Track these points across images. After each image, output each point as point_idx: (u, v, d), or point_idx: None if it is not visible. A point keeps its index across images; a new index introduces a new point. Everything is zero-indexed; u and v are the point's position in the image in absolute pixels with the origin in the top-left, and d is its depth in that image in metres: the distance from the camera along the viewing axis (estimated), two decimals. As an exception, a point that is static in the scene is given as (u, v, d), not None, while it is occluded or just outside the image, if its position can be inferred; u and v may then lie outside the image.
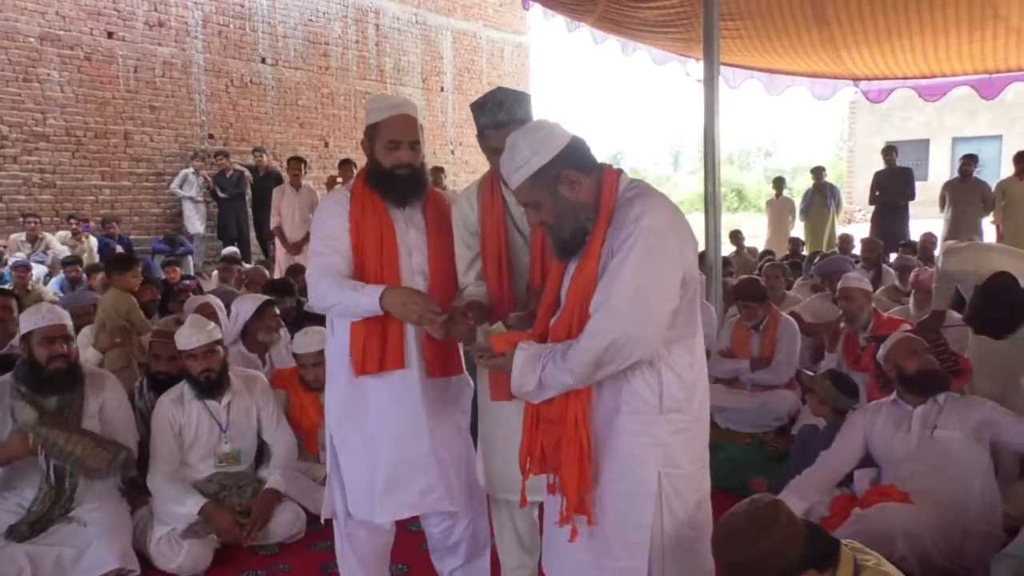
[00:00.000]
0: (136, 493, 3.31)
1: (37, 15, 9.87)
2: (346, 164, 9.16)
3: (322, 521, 2.69)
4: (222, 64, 11.90)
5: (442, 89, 15.52)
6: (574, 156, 1.87)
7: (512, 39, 17.22)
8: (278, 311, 4.49)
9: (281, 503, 3.32)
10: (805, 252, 9.66)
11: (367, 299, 2.26)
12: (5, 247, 8.90)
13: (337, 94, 13.49)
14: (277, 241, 8.46)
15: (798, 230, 10.93)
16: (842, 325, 4.76)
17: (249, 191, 11.04)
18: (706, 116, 5.78)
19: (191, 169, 10.96)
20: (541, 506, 2.20)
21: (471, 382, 2.63)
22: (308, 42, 13.05)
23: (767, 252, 9.44)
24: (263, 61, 12.45)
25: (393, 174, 2.40)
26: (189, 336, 3.30)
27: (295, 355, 3.80)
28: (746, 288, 4.97)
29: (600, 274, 1.82)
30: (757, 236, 12.06)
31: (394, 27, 14.55)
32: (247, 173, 10.92)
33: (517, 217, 2.35)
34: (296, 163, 8.56)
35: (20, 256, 8.69)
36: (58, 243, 9.24)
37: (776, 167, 37.36)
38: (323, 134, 13.18)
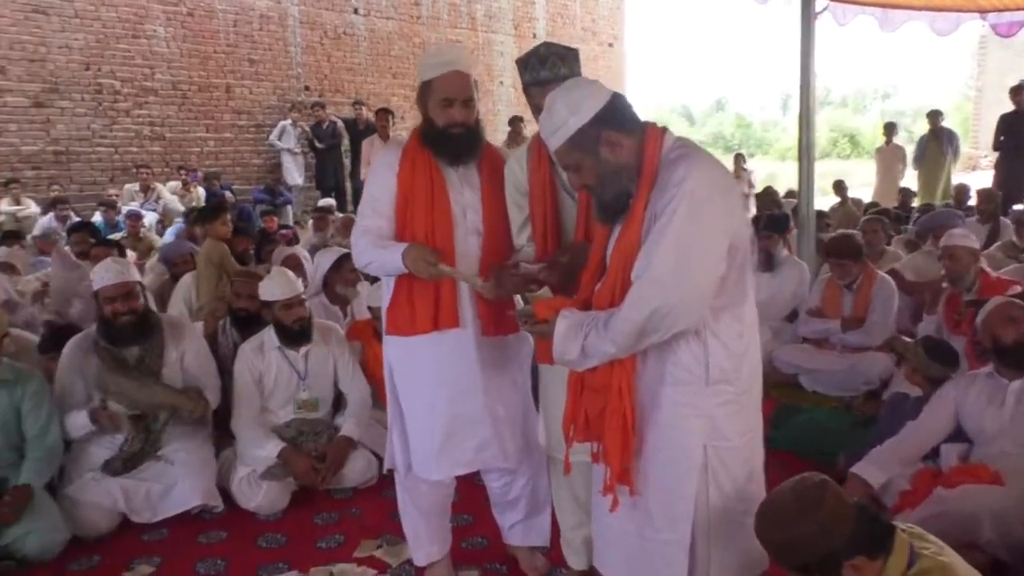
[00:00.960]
0: (221, 434, 3.50)
1: (143, -28, 10.25)
2: (383, 113, 9.10)
3: (384, 472, 2.76)
4: (316, 16, 12.05)
5: (534, 36, 15.22)
6: (615, 115, 1.78)
7: (608, -19, 16.68)
8: (357, 264, 4.57)
9: (355, 450, 3.44)
10: (916, 204, 9.06)
11: (392, 256, 2.30)
12: (119, 196, 9.44)
13: (428, 43, 13.45)
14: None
15: (911, 180, 10.26)
16: (944, 285, 4.46)
17: (346, 142, 11.26)
18: (802, 56, 5.44)
19: (289, 121, 11.25)
20: None
21: (530, 339, 2.61)
22: (400, -10, 13.05)
23: (873, 204, 8.91)
24: (356, 12, 12.53)
25: (446, 133, 2.36)
26: (279, 287, 3.42)
27: (369, 307, 3.88)
28: (839, 244, 4.70)
29: (643, 239, 1.74)
30: (870, 184, 11.35)
31: (486, -28, 14.35)
32: (340, 124, 11.12)
33: (565, 177, 2.28)
34: (384, 115, 8.64)
35: (134, 205, 9.22)
36: (168, 192, 9.73)
37: (895, 109, 35.07)
38: (415, 84, 13.12)
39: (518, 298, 2.52)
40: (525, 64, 2.23)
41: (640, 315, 1.69)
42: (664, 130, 1.85)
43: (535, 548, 2.78)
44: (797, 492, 1.73)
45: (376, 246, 2.37)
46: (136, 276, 3.32)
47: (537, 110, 2.16)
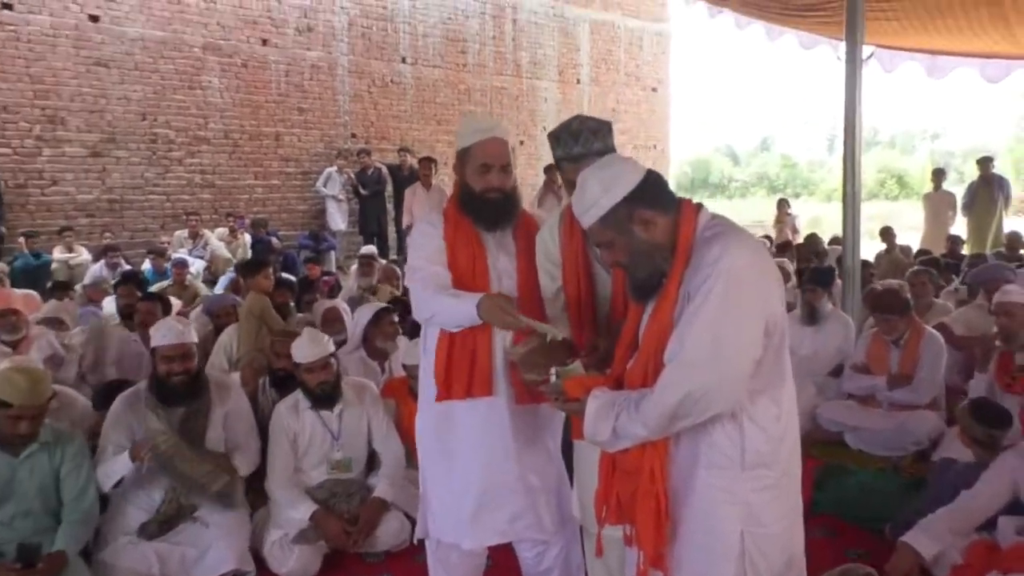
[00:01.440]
0: (256, 494, 3.51)
1: (200, 26, 10.65)
2: (426, 161, 9.21)
3: (414, 541, 2.74)
4: (365, 65, 12.37)
5: (578, 81, 15.40)
6: (648, 193, 1.77)
7: (652, 27, 16.80)
8: (397, 319, 4.61)
9: (388, 512, 3.41)
10: (966, 251, 8.83)
11: (466, 306, 2.23)
12: (169, 243, 9.70)
13: (473, 90, 13.71)
14: (410, 240, 8.71)
15: (961, 226, 10.01)
16: (997, 343, 4.31)
17: (390, 188, 11.46)
18: (846, 104, 5.37)
19: (335, 168, 11.49)
20: None
21: (562, 409, 2.58)
22: (446, 40, 13.32)
23: (922, 252, 8.71)
24: (403, 61, 12.83)
25: (484, 198, 2.38)
26: (306, 350, 3.44)
27: (404, 365, 3.88)
28: (885, 299, 4.60)
29: (676, 319, 1.72)
30: (919, 228, 11.10)
31: (531, 21, 14.57)
32: (385, 170, 11.31)
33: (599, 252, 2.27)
34: (427, 163, 8.78)
35: (182, 252, 9.46)
36: (216, 239, 9.97)
37: (944, 150, 34.46)
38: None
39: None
40: (557, 139, 2.23)
41: (673, 399, 1.66)
42: (700, 207, 1.83)
43: (567, 620, 2.72)
44: (844, 583, 1.65)
45: (445, 294, 2.31)
46: (194, 338, 3.39)
47: (570, 185, 2.16)
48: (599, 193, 1.77)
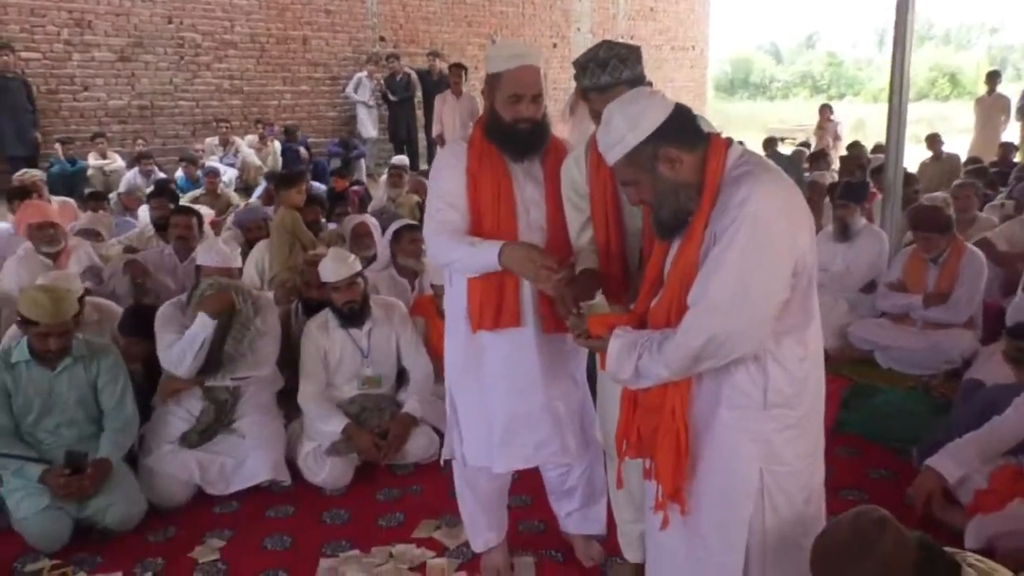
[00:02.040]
0: (289, 407, 3.61)
1: (223, -77, 10.29)
2: (457, 68, 8.93)
3: (441, 463, 2.81)
4: (393, -38, 11.93)
5: (616, -25, 14.73)
6: (675, 130, 1.70)
7: (693, -85, 15.88)
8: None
9: (417, 427, 3.50)
10: (1018, 159, 8.47)
11: (486, 255, 2.20)
12: (202, 150, 9.70)
13: (504, -11, 13.20)
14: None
15: (1014, 132, 9.57)
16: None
17: (420, 94, 11.23)
18: None
19: (364, 73, 11.27)
20: None
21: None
22: (478, -66, 12.75)
23: (972, 160, 8.38)
24: (432, -43, 12.34)
25: (514, 128, 2.31)
26: (331, 270, 3.45)
27: (432, 285, 3.89)
28: (926, 217, 4.45)
29: (702, 260, 1.67)
30: (970, 131, 10.60)
31: (566, -89, 13.85)
32: (414, 76, 11.07)
33: None
34: (457, 70, 8.56)
35: (214, 159, 9.47)
36: (246, 147, 9.94)
37: (1003, 44, 32.68)
38: (490, 32, 13.01)
39: None
40: (584, 68, 2.13)
41: (696, 341, 1.65)
42: (728, 143, 1.76)
43: (591, 537, 2.80)
44: (854, 528, 1.65)
45: (461, 242, 2.28)
46: (239, 262, 3.48)
47: (596, 115, 2.07)
48: (624, 130, 1.70)
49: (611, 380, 1.97)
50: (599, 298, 2.04)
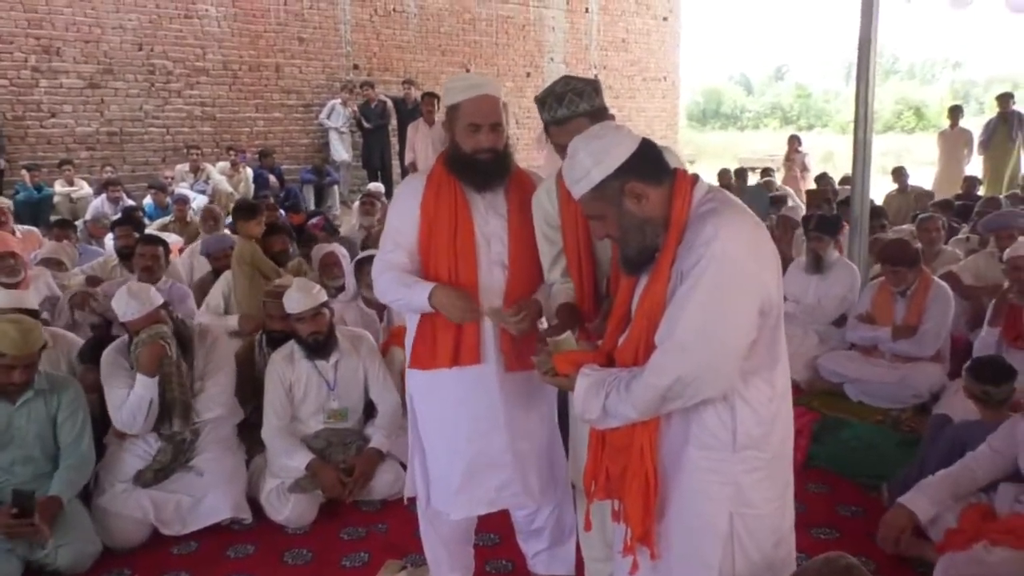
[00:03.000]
0: (254, 441, 3.52)
1: (195, -50, 10.29)
2: (429, 97, 8.82)
3: (404, 501, 2.74)
4: (367, -8, 11.99)
5: (587, 10, 14.89)
6: (641, 165, 1.68)
7: (663, -48, 16.18)
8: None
9: (383, 462, 3.43)
10: (982, 192, 8.64)
11: (418, 296, 2.24)
12: (172, 178, 9.59)
13: (479, 19, 13.30)
14: (412, 176, 8.58)
15: (976, 166, 9.77)
16: (1010, 296, 4.21)
17: (394, 122, 11.24)
18: (862, 28, 4.99)
19: (338, 100, 11.26)
20: None
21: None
22: (451, -35, 12.87)
23: (933, 196, 8.51)
24: (406, -13, 12.42)
25: (474, 158, 2.28)
26: (296, 300, 3.39)
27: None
28: (894, 251, 4.48)
29: (669, 298, 1.65)
30: (935, 163, 10.78)
31: (540, -55, 14.05)
32: (389, 104, 11.08)
33: None
34: (430, 98, 8.57)
35: (184, 186, 9.36)
36: (217, 173, 9.85)
37: (966, 79, 33.56)
38: (464, 61, 13.10)
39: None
40: (543, 103, 2.12)
41: (663, 381, 1.62)
42: (695, 179, 1.74)
43: (559, 576, 2.74)
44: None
45: (400, 283, 2.30)
46: (157, 301, 3.28)
47: (559, 148, 2.08)
48: (590, 165, 1.68)
49: (580, 420, 1.94)
50: (566, 334, 2.00)
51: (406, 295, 2.29)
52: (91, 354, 3.53)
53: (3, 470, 2.96)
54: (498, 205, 2.37)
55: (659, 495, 1.75)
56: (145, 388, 3.16)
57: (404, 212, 2.36)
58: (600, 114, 2.10)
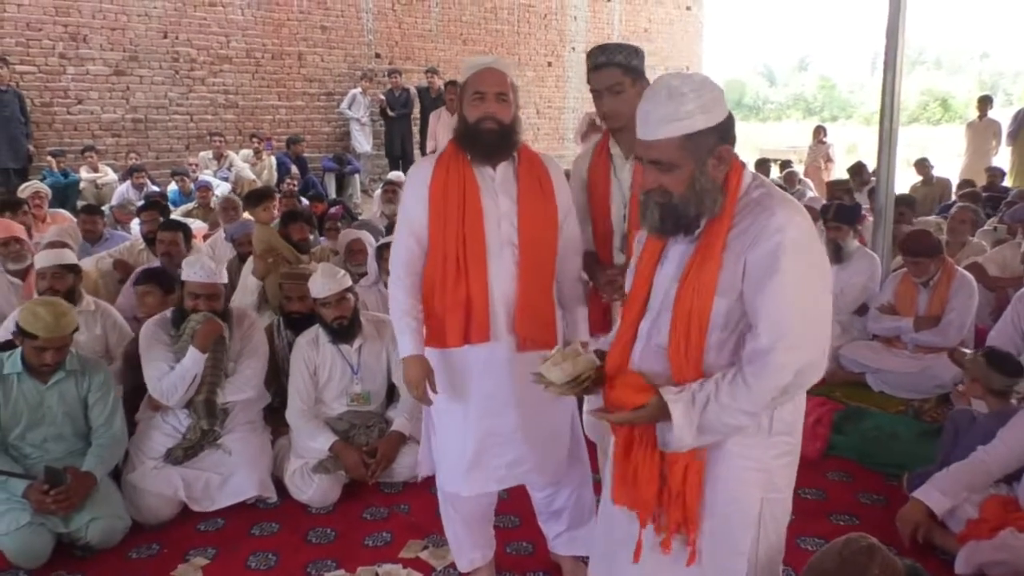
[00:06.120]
0: (279, 423, 3.58)
1: (219, -61, 10.34)
2: (452, 86, 8.81)
3: (419, 479, 2.77)
4: (389, -20, 12.00)
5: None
6: (730, 131, 1.63)
7: (687, -60, 16.06)
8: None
9: (405, 445, 3.46)
10: (1008, 184, 8.52)
11: (403, 348, 2.37)
12: (195, 165, 9.68)
13: (500, 8, 13.27)
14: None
15: (1004, 158, 9.63)
16: (1033, 287, 4.18)
17: (417, 111, 11.27)
18: (889, 18, 4.95)
19: (359, 89, 11.29)
20: None
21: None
22: (474, -47, 12.84)
23: (965, 183, 8.41)
24: (429, -25, 12.42)
25: (477, 127, 2.30)
26: (321, 285, 3.44)
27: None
28: (916, 242, 4.46)
29: (726, 287, 1.60)
30: (960, 155, 10.65)
31: (561, -67, 13.98)
32: (413, 92, 11.11)
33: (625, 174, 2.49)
34: (452, 87, 8.56)
35: (208, 173, 9.45)
36: (240, 161, 9.93)
37: (994, 70, 33.00)
38: (486, 50, 13.05)
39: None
40: (589, 53, 2.44)
41: (783, 380, 1.57)
42: (743, 163, 1.71)
43: (579, 558, 2.77)
44: (843, 558, 1.63)
45: (398, 316, 2.39)
46: (224, 278, 3.44)
47: (595, 95, 2.44)
48: (695, 110, 1.57)
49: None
50: (556, 349, 1.84)
51: (398, 335, 2.40)
52: (146, 277, 4.03)
53: (36, 447, 3.03)
54: (508, 184, 2.38)
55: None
56: (194, 363, 3.24)
57: (415, 195, 2.39)
58: (635, 73, 2.37)
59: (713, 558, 1.75)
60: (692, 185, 1.61)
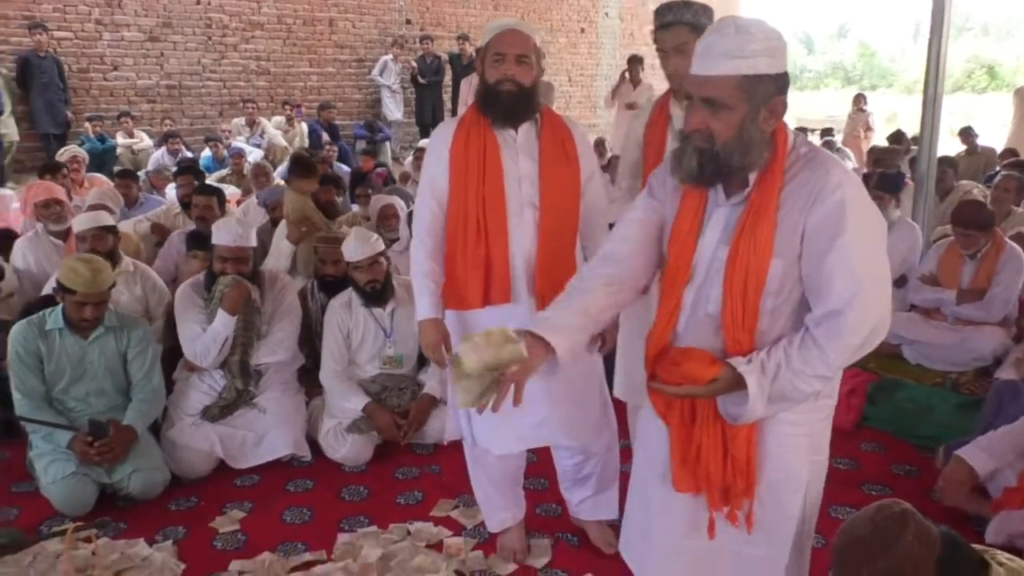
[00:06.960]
0: (313, 384, 3.63)
1: (251, -96, 10.29)
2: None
3: (444, 442, 2.78)
4: (421, -56, 11.87)
5: (646, -38, 14.54)
6: (787, 86, 1.58)
7: (727, -99, 15.62)
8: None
9: (436, 408, 3.49)
10: (1054, 154, 8.26)
11: (420, 311, 2.38)
12: (229, 131, 9.74)
13: (533, -28, 13.09)
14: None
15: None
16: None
17: (448, 78, 11.19)
18: None
19: (390, 56, 11.24)
20: None
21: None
22: (506, -84, 12.64)
23: (1009, 151, 8.19)
24: (461, -61, 12.26)
25: (496, 89, 2.29)
26: (354, 249, 3.45)
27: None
28: (969, 214, 4.33)
29: (782, 247, 1.55)
30: (1006, 124, 10.36)
31: None
32: (444, 59, 11.03)
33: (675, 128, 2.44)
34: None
35: (240, 140, 9.51)
36: (272, 127, 9.97)
37: (1045, 36, 31.82)
38: (517, 16, 12.89)
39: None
40: (657, 11, 2.41)
41: (858, 339, 1.53)
42: (786, 124, 1.66)
43: (603, 522, 2.77)
44: (875, 524, 1.60)
45: (418, 278, 2.39)
46: (253, 242, 3.46)
47: (661, 54, 2.43)
48: (761, 51, 1.51)
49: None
50: (482, 330, 1.61)
51: (417, 295, 2.41)
52: (194, 240, 4.25)
53: (79, 400, 3.12)
54: (530, 146, 2.37)
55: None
56: (224, 326, 3.29)
57: (436, 158, 2.38)
58: (702, 32, 2.22)
59: (763, 524, 1.73)
60: (740, 133, 1.54)
